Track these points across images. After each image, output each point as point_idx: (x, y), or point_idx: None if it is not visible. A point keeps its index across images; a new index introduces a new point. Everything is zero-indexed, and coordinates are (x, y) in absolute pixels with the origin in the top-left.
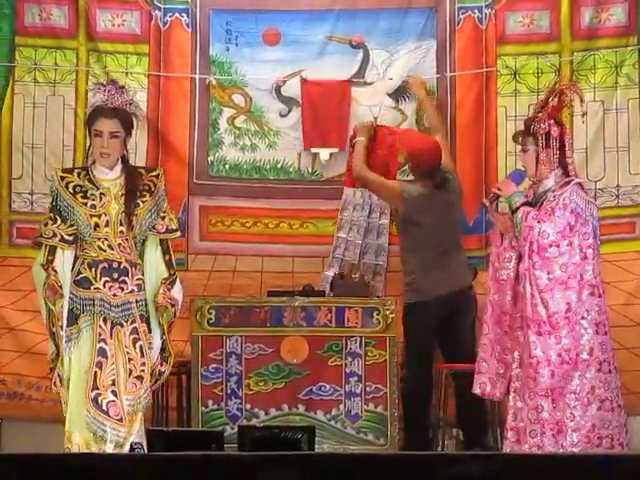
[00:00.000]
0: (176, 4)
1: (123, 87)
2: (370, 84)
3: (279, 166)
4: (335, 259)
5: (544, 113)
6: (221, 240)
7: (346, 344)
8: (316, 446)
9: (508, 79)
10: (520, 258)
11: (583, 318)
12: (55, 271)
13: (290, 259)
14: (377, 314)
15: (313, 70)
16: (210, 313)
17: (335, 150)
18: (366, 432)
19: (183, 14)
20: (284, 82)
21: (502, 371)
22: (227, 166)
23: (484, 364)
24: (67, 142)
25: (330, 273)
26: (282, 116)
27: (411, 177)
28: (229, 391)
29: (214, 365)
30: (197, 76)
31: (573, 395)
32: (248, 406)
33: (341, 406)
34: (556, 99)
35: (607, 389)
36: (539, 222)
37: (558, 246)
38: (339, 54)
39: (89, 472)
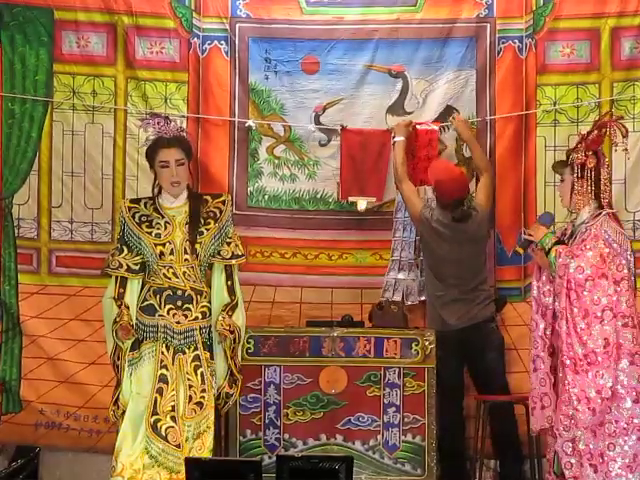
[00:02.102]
0: (215, 32)
1: (167, 117)
2: (409, 113)
3: (318, 197)
4: (394, 261)
5: (582, 144)
6: (260, 271)
7: (384, 375)
8: (354, 476)
9: (548, 109)
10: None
11: (619, 350)
12: (127, 308)
13: (329, 290)
14: (416, 345)
15: (352, 99)
16: (249, 342)
17: (372, 199)
18: (404, 462)
19: (222, 42)
20: (323, 111)
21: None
22: (266, 197)
23: (547, 398)
24: (106, 170)
25: (392, 277)
26: (322, 145)
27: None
28: (267, 421)
29: (253, 394)
30: (236, 119)
31: (612, 425)
32: (286, 436)
33: (379, 436)
34: (596, 131)
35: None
36: (573, 258)
37: (593, 279)
38: (378, 83)
39: None
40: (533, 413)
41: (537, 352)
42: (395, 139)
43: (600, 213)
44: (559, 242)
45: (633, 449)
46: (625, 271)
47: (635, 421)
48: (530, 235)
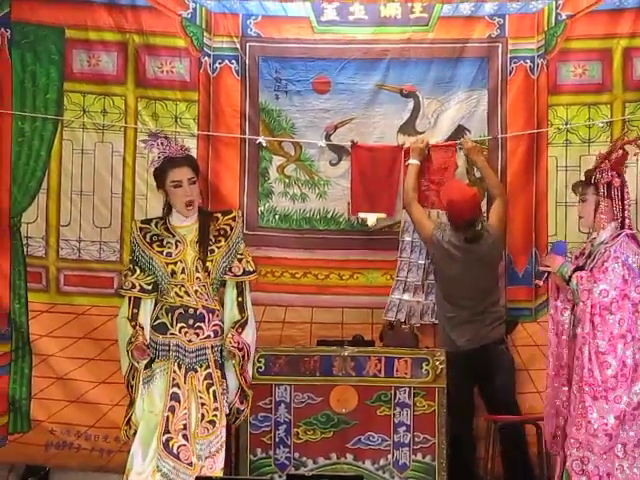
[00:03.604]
0: (225, 51)
1: (167, 136)
2: (421, 133)
3: (329, 216)
4: (399, 281)
5: (607, 164)
6: (271, 291)
7: (395, 394)
8: None
9: (559, 128)
10: (573, 311)
11: (634, 372)
12: (142, 328)
13: (340, 310)
14: (426, 364)
15: (363, 119)
16: (260, 362)
17: (383, 215)
18: None
19: (233, 61)
20: (334, 130)
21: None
22: (277, 216)
23: (562, 416)
24: (115, 189)
25: (396, 297)
26: (332, 165)
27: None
28: (278, 440)
29: (263, 413)
30: (247, 137)
31: (621, 446)
32: (296, 455)
33: (389, 456)
34: (620, 151)
35: None
36: (596, 282)
37: (618, 301)
38: (390, 103)
39: None
40: (544, 430)
41: (549, 371)
42: (410, 162)
43: (620, 234)
44: (577, 268)
45: None
46: None
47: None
48: (547, 266)
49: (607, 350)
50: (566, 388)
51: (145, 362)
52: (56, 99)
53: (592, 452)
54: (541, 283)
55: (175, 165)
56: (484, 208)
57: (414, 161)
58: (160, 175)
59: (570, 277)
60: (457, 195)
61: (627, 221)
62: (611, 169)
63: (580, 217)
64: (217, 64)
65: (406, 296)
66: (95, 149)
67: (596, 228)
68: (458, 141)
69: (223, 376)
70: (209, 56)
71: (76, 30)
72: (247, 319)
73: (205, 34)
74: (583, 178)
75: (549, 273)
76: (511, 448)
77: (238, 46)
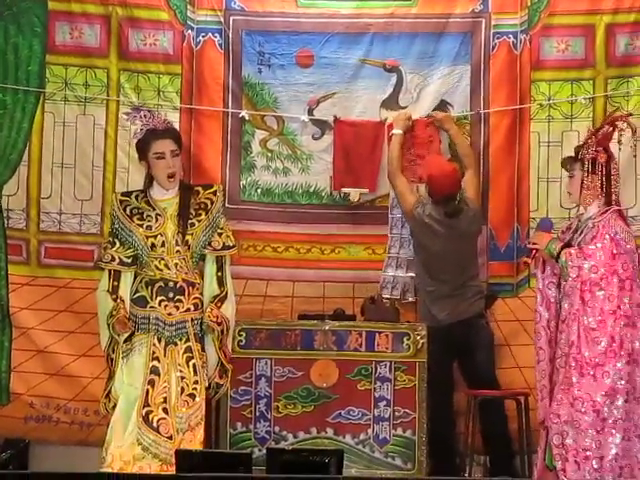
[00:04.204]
0: (209, 24)
1: (150, 109)
2: (403, 108)
3: (311, 190)
4: (391, 258)
5: (593, 140)
6: (252, 264)
7: (376, 369)
8: (344, 470)
9: (542, 104)
10: (559, 286)
11: (620, 349)
12: (123, 301)
13: (321, 284)
14: (407, 339)
15: (346, 93)
16: (240, 335)
17: (365, 190)
18: (394, 456)
19: (216, 34)
20: (317, 104)
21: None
22: (259, 190)
23: (545, 390)
24: (97, 162)
25: (390, 273)
26: (315, 139)
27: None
28: (258, 413)
29: (243, 387)
30: (230, 110)
31: (600, 422)
32: (277, 429)
33: (369, 430)
34: (608, 127)
35: (628, 419)
36: (585, 259)
37: (607, 277)
38: (373, 77)
39: None
40: (539, 404)
41: (540, 344)
42: (393, 132)
43: (607, 210)
44: (565, 244)
45: (617, 448)
46: (629, 271)
47: (620, 422)
48: (534, 244)
49: (598, 326)
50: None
51: (126, 335)
52: (38, 71)
53: (575, 427)
54: (529, 261)
55: (158, 137)
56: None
57: (398, 131)
58: (143, 146)
59: (559, 254)
60: (437, 170)
61: (614, 197)
62: (597, 144)
63: (569, 193)
64: (200, 37)
65: (400, 272)
66: (77, 122)
67: (582, 204)
68: (429, 115)
69: (203, 349)
70: (192, 29)
71: (59, 2)
72: (226, 293)
73: (189, 7)
74: (566, 154)
75: (536, 250)
76: (491, 423)
77: (222, 19)
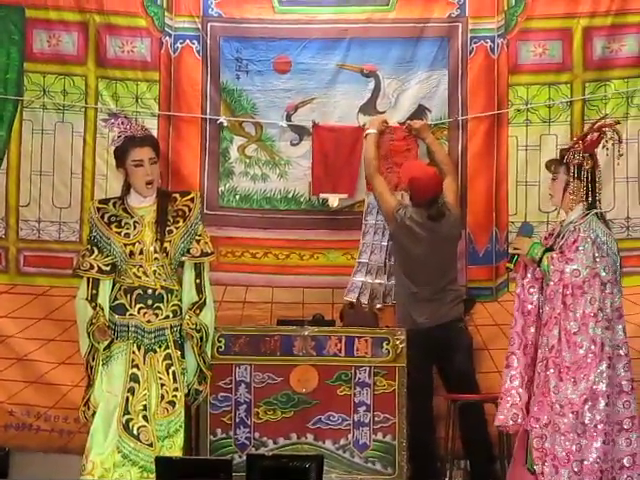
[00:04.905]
0: (187, 31)
1: (127, 116)
2: (381, 113)
3: (290, 196)
4: (361, 264)
5: (580, 145)
6: (231, 271)
7: (355, 374)
8: (324, 475)
9: (519, 109)
10: (541, 290)
11: (601, 352)
12: (102, 309)
13: (300, 290)
14: (387, 344)
15: (324, 99)
16: (220, 341)
17: (344, 196)
18: (374, 461)
19: (194, 41)
20: (295, 110)
21: (527, 401)
22: (237, 197)
23: (517, 396)
24: (75, 169)
25: (358, 279)
26: (293, 145)
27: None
28: (238, 420)
29: (223, 393)
30: (208, 117)
31: (581, 425)
32: (257, 435)
33: (349, 435)
34: (595, 134)
35: (608, 423)
36: (567, 263)
37: (589, 281)
38: (350, 83)
39: None
40: (498, 408)
41: (512, 349)
42: (368, 132)
43: (588, 213)
44: (547, 249)
45: (598, 452)
46: (610, 274)
47: (600, 427)
48: (516, 249)
49: (579, 330)
50: (531, 368)
51: (106, 343)
52: (16, 79)
53: (555, 431)
54: (512, 266)
55: (137, 144)
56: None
57: (372, 131)
58: (121, 154)
59: (541, 258)
60: (419, 173)
61: (597, 204)
62: (584, 150)
63: (550, 195)
64: (178, 44)
65: (369, 278)
66: (55, 129)
67: (564, 208)
68: (406, 123)
69: (183, 356)
70: (170, 36)
71: (36, 10)
72: (205, 300)
73: (166, 14)
74: (545, 157)
75: (518, 255)
76: (471, 427)
77: (199, 26)
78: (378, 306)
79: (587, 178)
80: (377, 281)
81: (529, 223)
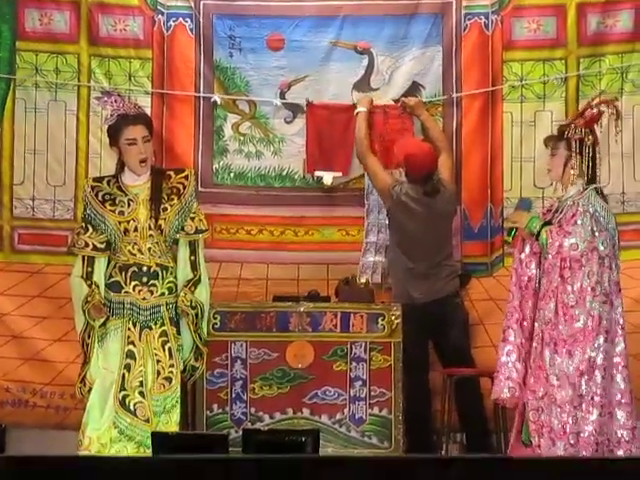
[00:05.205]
0: (179, 9)
1: (120, 94)
2: (375, 90)
3: (284, 173)
4: (370, 244)
5: (581, 120)
6: (226, 248)
7: (351, 349)
8: (320, 450)
9: (514, 85)
10: (539, 264)
11: (598, 325)
12: (97, 286)
13: (295, 266)
14: (382, 319)
15: (318, 76)
16: (215, 318)
17: (339, 174)
18: (370, 436)
19: (187, 19)
20: (289, 88)
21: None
22: (232, 174)
23: (514, 370)
24: (69, 148)
25: (369, 259)
26: (287, 122)
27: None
28: (234, 395)
29: (219, 370)
30: (201, 95)
31: (578, 398)
32: (253, 410)
33: (346, 410)
34: (596, 110)
35: (605, 395)
36: (565, 236)
37: (587, 254)
38: (344, 60)
39: (89, 474)
40: (494, 381)
41: (509, 323)
42: (357, 110)
43: (587, 188)
44: (546, 223)
45: (594, 425)
46: (609, 249)
47: (596, 399)
48: (514, 222)
49: (576, 303)
50: (529, 342)
51: (102, 320)
52: (8, 58)
53: (551, 403)
54: (510, 239)
55: (130, 123)
56: None
57: (362, 108)
58: (114, 132)
59: (539, 232)
60: (415, 149)
61: (598, 178)
62: (584, 126)
63: (549, 170)
64: (171, 22)
65: (379, 257)
66: (48, 108)
67: (564, 183)
68: (401, 100)
69: (178, 333)
70: (163, 14)
71: None
72: (200, 277)
73: None
74: (540, 134)
75: (517, 229)
76: (466, 401)
77: (192, 4)
78: (388, 285)
79: (588, 153)
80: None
81: (528, 198)
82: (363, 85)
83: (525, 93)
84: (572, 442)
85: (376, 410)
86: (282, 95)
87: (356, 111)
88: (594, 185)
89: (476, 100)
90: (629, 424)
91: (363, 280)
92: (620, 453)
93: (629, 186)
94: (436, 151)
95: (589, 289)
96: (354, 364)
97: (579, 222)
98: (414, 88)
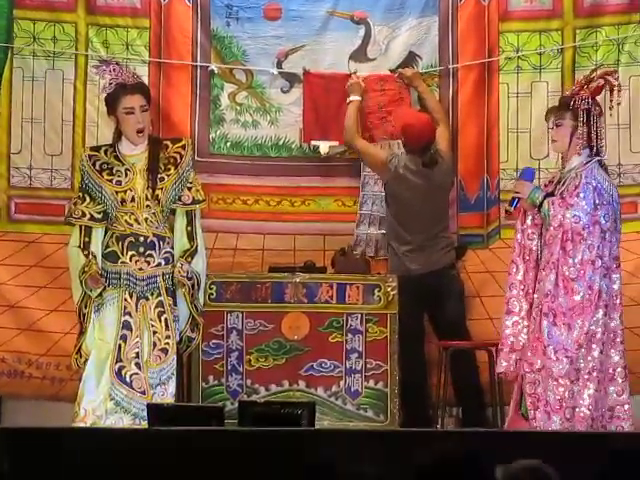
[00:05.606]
0: None
1: (119, 63)
2: (372, 60)
3: (280, 143)
4: (363, 215)
5: (586, 91)
6: (222, 218)
7: (347, 321)
8: (316, 422)
9: (510, 56)
10: (540, 236)
11: (598, 299)
12: (95, 257)
13: (292, 237)
14: (378, 291)
15: (315, 46)
16: (211, 288)
17: (335, 143)
18: (366, 409)
19: None
20: (286, 57)
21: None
22: (228, 143)
23: (517, 342)
24: (66, 117)
25: (363, 231)
26: (284, 92)
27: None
28: (230, 367)
29: (215, 341)
30: (198, 64)
31: (574, 372)
32: (249, 382)
33: (341, 382)
34: (601, 81)
35: (601, 370)
36: (568, 208)
37: (589, 227)
38: (341, 30)
39: (85, 446)
40: (500, 354)
41: (512, 295)
42: (350, 99)
43: (590, 160)
44: (548, 195)
45: (590, 399)
46: (610, 222)
47: (594, 373)
48: (517, 192)
49: (577, 276)
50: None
51: (99, 291)
52: (6, 26)
53: (548, 376)
54: (511, 209)
55: (128, 92)
56: None
57: (355, 97)
58: (112, 101)
59: (541, 203)
60: (412, 119)
61: (602, 149)
62: (590, 97)
63: (554, 141)
64: None
65: (372, 229)
66: (46, 76)
67: (570, 153)
68: (396, 72)
69: (175, 304)
70: None
71: None
72: (197, 248)
73: None
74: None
75: (518, 199)
76: (462, 374)
77: None
78: (382, 256)
79: (595, 123)
80: (381, 231)
81: (531, 168)
82: (360, 55)
83: (521, 64)
84: (568, 417)
85: (372, 383)
86: (279, 64)
87: (349, 100)
88: (597, 158)
89: (472, 71)
90: (621, 399)
91: (362, 230)
92: (612, 429)
93: (625, 158)
94: (434, 122)
95: (590, 262)
96: (350, 336)
97: (581, 194)
98: (411, 58)
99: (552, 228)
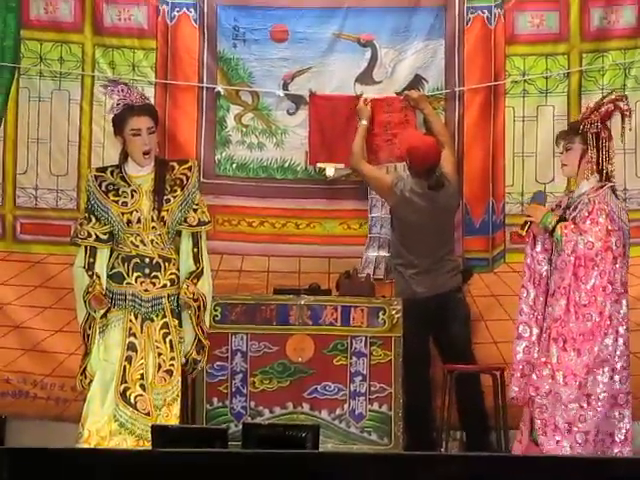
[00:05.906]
0: None
1: (127, 83)
2: (378, 82)
3: (286, 165)
4: (373, 238)
5: (597, 115)
6: (228, 240)
7: (351, 343)
8: (320, 445)
9: (516, 80)
10: (550, 261)
11: (609, 326)
12: (99, 277)
13: (296, 259)
14: (383, 314)
15: (321, 68)
16: (216, 310)
17: (341, 166)
18: (370, 431)
19: (191, 9)
20: (292, 79)
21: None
22: (234, 165)
23: (529, 366)
24: (72, 137)
25: (372, 254)
26: (290, 114)
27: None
28: (234, 389)
29: (219, 362)
30: (205, 85)
31: (585, 397)
32: (253, 404)
33: (345, 405)
34: (611, 106)
35: (609, 396)
36: (581, 234)
37: (601, 253)
38: (347, 52)
39: (88, 467)
40: (511, 380)
41: (523, 320)
42: (360, 123)
43: (603, 186)
44: (560, 219)
45: (596, 424)
46: (621, 248)
47: (601, 397)
48: (529, 216)
49: (588, 302)
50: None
51: (103, 312)
52: (13, 46)
53: (556, 400)
54: (523, 232)
55: (135, 113)
56: None
57: (364, 122)
58: (119, 122)
59: (554, 228)
60: (418, 142)
61: (613, 174)
62: (600, 121)
63: (564, 165)
64: (175, 12)
65: (382, 252)
66: (52, 97)
67: (579, 177)
68: (402, 94)
69: (180, 325)
70: (167, 4)
71: None
72: (202, 269)
73: None
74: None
75: (531, 223)
76: (467, 398)
77: None
78: (390, 280)
79: (604, 147)
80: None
81: (541, 191)
82: (366, 78)
83: (527, 88)
84: (579, 441)
85: (376, 406)
86: (285, 86)
87: (358, 124)
88: (610, 183)
89: (478, 94)
90: (623, 425)
91: (371, 254)
92: (614, 453)
93: (631, 182)
94: (439, 145)
95: (601, 288)
96: (354, 359)
97: (595, 220)
98: (417, 81)
99: (565, 254)
